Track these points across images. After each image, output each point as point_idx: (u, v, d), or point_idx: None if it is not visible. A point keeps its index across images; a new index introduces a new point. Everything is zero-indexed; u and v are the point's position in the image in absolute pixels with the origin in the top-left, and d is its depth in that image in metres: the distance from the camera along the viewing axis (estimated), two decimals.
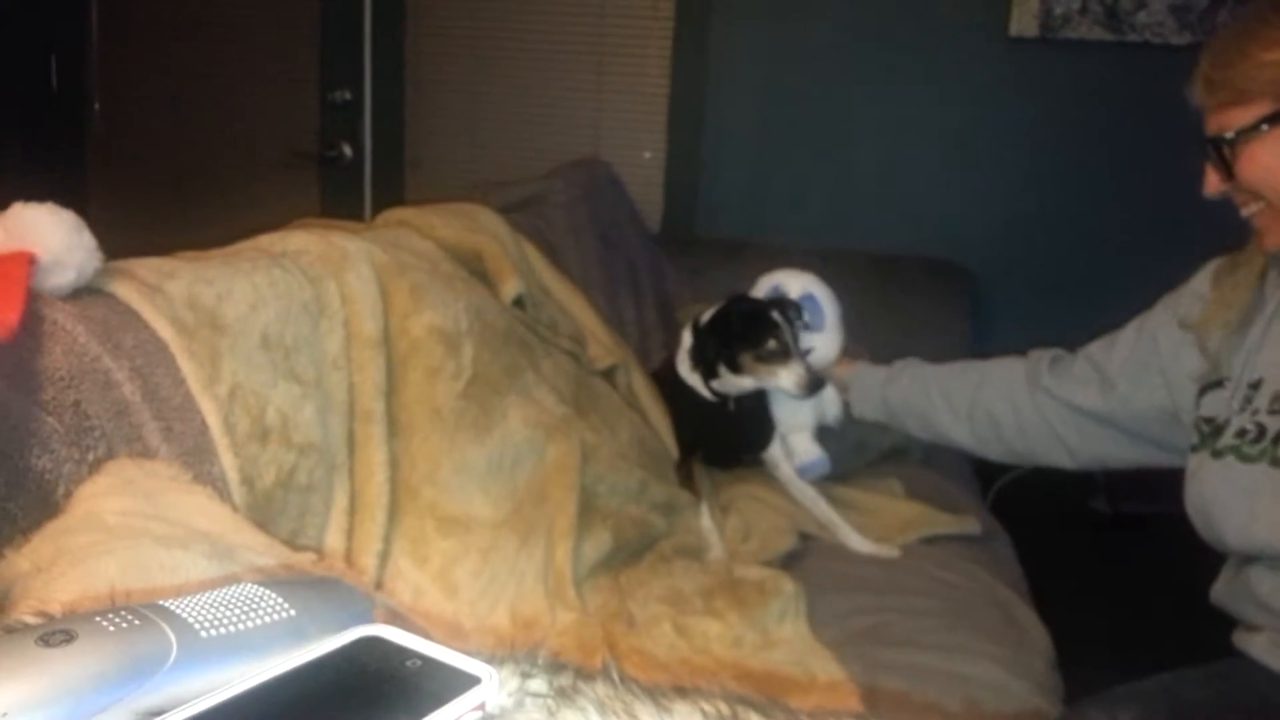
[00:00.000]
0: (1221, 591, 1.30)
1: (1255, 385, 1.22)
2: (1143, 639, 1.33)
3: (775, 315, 1.70)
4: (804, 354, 1.71)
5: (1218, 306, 1.28)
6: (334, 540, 1.17)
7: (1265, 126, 1.12)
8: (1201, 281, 1.35)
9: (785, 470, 1.82)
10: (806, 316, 1.78)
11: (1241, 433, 1.22)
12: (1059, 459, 1.51)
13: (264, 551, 0.84)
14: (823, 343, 1.78)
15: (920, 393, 1.63)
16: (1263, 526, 1.18)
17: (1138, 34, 2.51)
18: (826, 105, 2.70)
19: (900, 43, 2.64)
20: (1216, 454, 1.24)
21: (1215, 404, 1.27)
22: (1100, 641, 1.38)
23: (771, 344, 1.69)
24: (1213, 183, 1.19)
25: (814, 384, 1.67)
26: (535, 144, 2.86)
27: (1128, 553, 1.96)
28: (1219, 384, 1.27)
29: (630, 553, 1.50)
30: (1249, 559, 1.23)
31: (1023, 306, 2.60)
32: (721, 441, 1.85)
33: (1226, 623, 1.30)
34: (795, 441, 1.84)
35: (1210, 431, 1.26)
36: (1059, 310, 2.45)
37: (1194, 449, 1.28)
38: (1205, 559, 1.34)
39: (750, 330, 1.71)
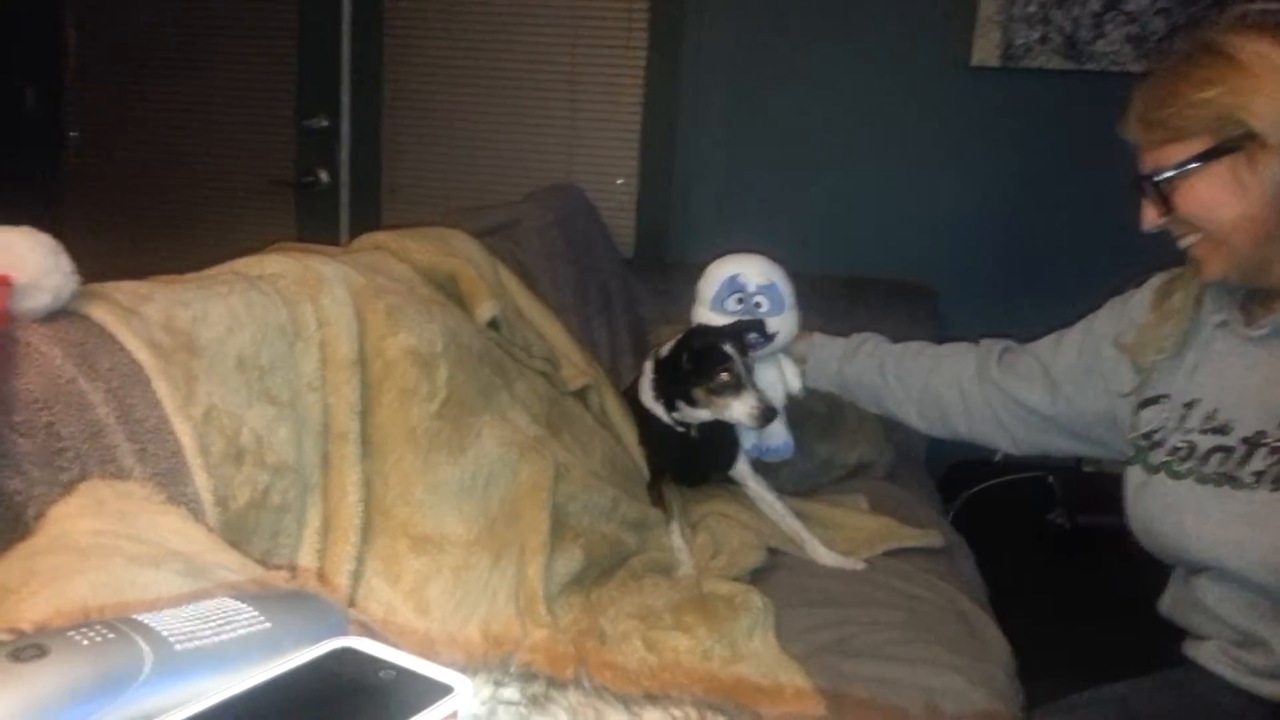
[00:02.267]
0: (1169, 602, 1.34)
1: (1190, 405, 1.26)
2: (1100, 649, 1.37)
3: (727, 348, 1.72)
4: (756, 385, 1.73)
5: (1152, 331, 1.32)
6: (307, 560, 1.19)
7: (1201, 163, 1.14)
8: (1144, 299, 1.39)
9: (754, 486, 1.86)
10: (768, 305, 1.81)
11: (1173, 450, 1.26)
12: (1002, 443, 1.59)
13: (238, 570, 0.85)
14: (783, 323, 1.81)
15: (874, 371, 1.70)
16: (1193, 541, 1.23)
17: (1095, 63, 2.58)
18: (795, 132, 2.76)
19: (867, 72, 2.70)
20: (1150, 469, 1.29)
21: (1153, 419, 1.31)
22: (1059, 651, 1.41)
23: (723, 377, 1.71)
24: (1150, 217, 1.23)
25: (767, 414, 1.70)
26: (510, 170, 2.89)
27: (1086, 565, 2.00)
28: (1157, 400, 1.31)
29: (602, 570, 1.52)
30: (1194, 570, 1.27)
31: (985, 326, 2.63)
32: (687, 464, 1.89)
33: (1180, 632, 1.34)
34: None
35: (1147, 446, 1.30)
36: (1019, 328, 2.50)
37: (1129, 462, 1.32)
38: (1161, 570, 1.38)
39: (702, 365, 1.73)
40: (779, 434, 1.87)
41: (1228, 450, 1.21)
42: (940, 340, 2.47)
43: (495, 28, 2.89)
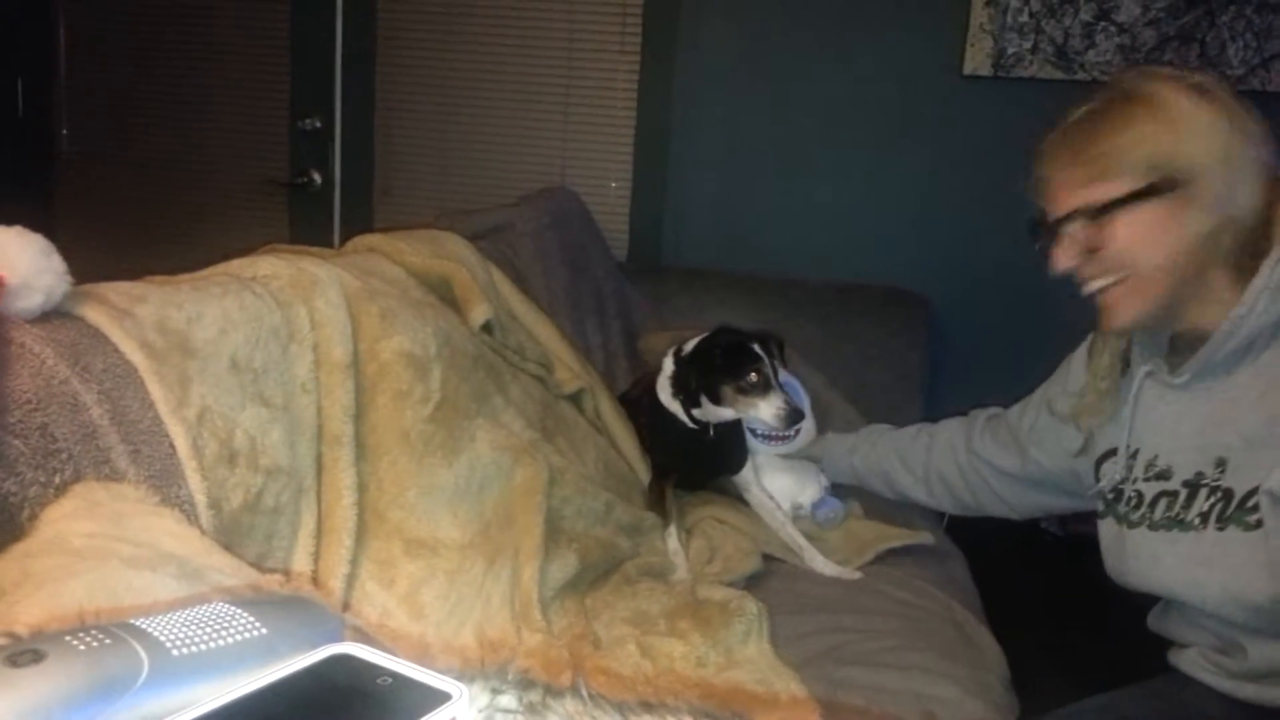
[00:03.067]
0: (1154, 617, 1.37)
1: (1133, 455, 1.30)
2: (1093, 656, 1.37)
3: (757, 348, 1.73)
4: (782, 387, 1.75)
5: (1090, 395, 1.35)
6: (301, 563, 1.18)
7: (1132, 202, 1.14)
8: (1081, 357, 1.43)
9: (756, 492, 1.86)
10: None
11: (1126, 500, 1.29)
12: (1004, 511, 1.66)
13: (232, 574, 0.84)
14: (806, 423, 1.91)
15: (881, 458, 1.80)
16: (1155, 585, 1.27)
17: (1086, 72, 2.59)
18: (788, 139, 2.76)
19: (860, 80, 2.71)
20: (1120, 520, 1.32)
21: (1111, 472, 1.34)
22: (1053, 659, 1.42)
23: (752, 376, 1.71)
24: (1061, 259, 1.22)
25: (793, 416, 1.71)
26: (503, 174, 2.89)
27: (1078, 573, 2.00)
28: (1114, 453, 1.34)
29: (596, 574, 1.52)
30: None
31: (977, 333, 2.66)
32: (698, 465, 1.88)
33: (1166, 641, 1.35)
34: (808, 489, 1.91)
35: (1114, 499, 1.33)
36: (1011, 336, 2.52)
37: (1100, 515, 1.36)
38: None
39: (732, 362, 1.74)
40: (831, 501, 1.90)
41: (1172, 495, 1.23)
42: (932, 352, 2.50)
43: (489, 31, 2.89)
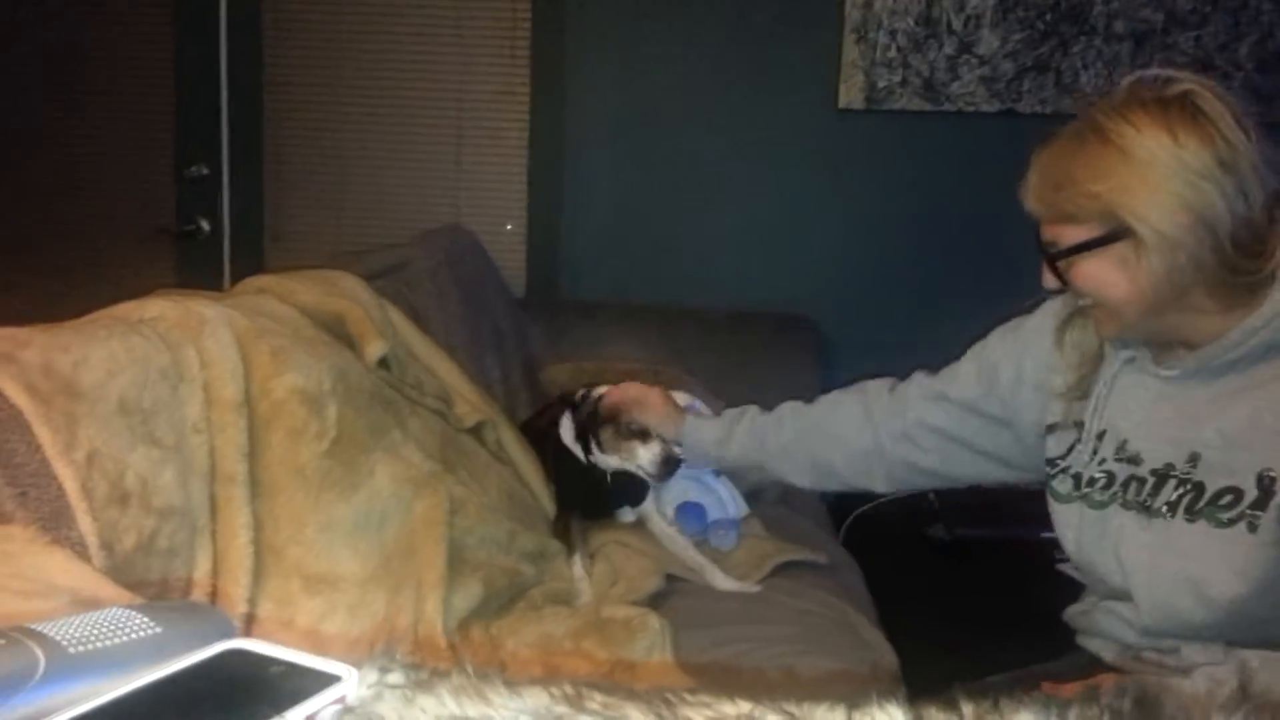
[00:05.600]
0: (1077, 612, 1.39)
1: (1101, 435, 1.30)
2: (980, 651, 1.45)
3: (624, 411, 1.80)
4: (663, 438, 1.79)
5: (1071, 373, 1.34)
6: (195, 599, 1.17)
7: (1093, 248, 1.17)
8: (1041, 328, 1.40)
9: (657, 523, 1.91)
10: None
11: (1091, 481, 1.29)
12: (881, 486, 1.61)
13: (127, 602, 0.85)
14: None
15: (755, 449, 1.70)
16: (1120, 567, 1.26)
17: (952, 103, 2.76)
18: (676, 172, 2.87)
19: (742, 114, 2.83)
20: (1060, 498, 1.33)
21: (1056, 446, 1.35)
22: (941, 653, 1.49)
23: (630, 425, 1.79)
24: (1049, 280, 1.26)
25: (670, 464, 1.77)
26: (397, 216, 2.90)
27: (964, 574, 2.11)
28: (1057, 428, 1.35)
29: (501, 602, 1.54)
30: (1118, 597, 1.30)
31: (865, 353, 2.77)
32: (600, 499, 1.92)
33: (1056, 632, 1.40)
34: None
35: (1052, 472, 1.34)
36: (895, 353, 2.64)
37: (1059, 499, 1.35)
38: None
39: (610, 411, 1.80)
40: (727, 522, 1.94)
41: (1141, 481, 1.24)
42: (822, 374, 2.60)
43: (378, 73, 2.92)
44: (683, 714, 0.50)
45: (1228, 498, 1.17)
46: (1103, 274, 1.18)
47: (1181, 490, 1.20)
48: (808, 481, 1.70)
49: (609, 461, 1.85)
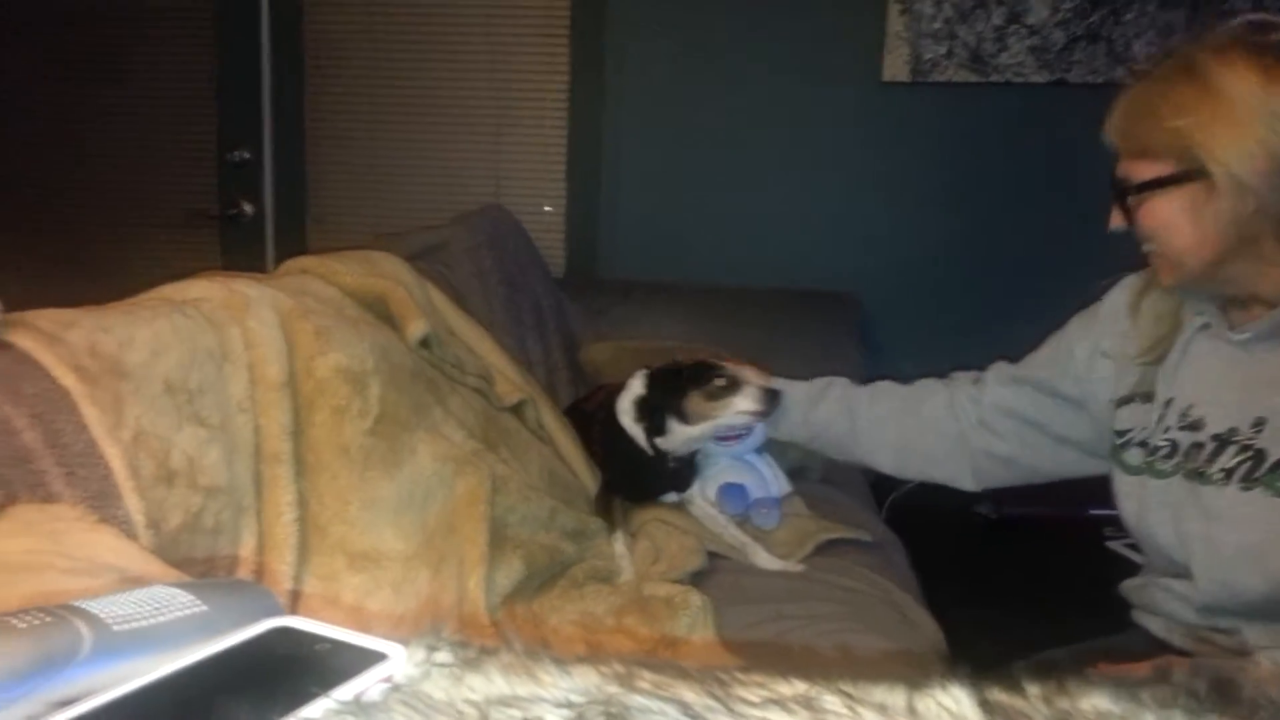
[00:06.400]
0: (1134, 587, 1.36)
1: (1168, 403, 1.27)
2: (1027, 631, 1.42)
3: (714, 361, 1.77)
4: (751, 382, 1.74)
5: (1146, 339, 1.32)
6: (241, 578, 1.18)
7: (1161, 187, 1.16)
8: (1117, 302, 1.38)
9: (699, 504, 1.90)
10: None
11: (1154, 450, 1.27)
12: (968, 483, 1.58)
13: (172, 580, 0.85)
14: (756, 430, 1.89)
15: (843, 417, 1.66)
16: (1180, 539, 1.23)
17: (1000, 75, 2.69)
18: (716, 149, 2.83)
19: (784, 90, 2.78)
20: (1128, 469, 1.30)
21: (1129, 418, 1.32)
22: (989, 633, 1.46)
23: (719, 381, 1.73)
24: (1115, 219, 1.24)
25: (773, 397, 1.69)
26: (436, 199, 2.91)
27: (1012, 553, 2.07)
28: (1132, 399, 1.33)
29: (542, 580, 1.54)
30: (1177, 575, 1.27)
31: (909, 331, 2.74)
32: (649, 484, 1.90)
33: (1107, 611, 1.37)
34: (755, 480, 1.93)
35: (1121, 445, 1.32)
36: (941, 330, 2.61)
37: (1114, 463, 1.33)
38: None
39: (695, 375, 1.76)
40: (769, 501, 1.91)
41: (1199, 446, 1.22)
42: (866, 353, 2.56)
43: (417, 55, 2.92)
44: (736, 693, 0.49)
45: None
46: (1170, 214, 1.16)
47: (1241, 457, 1.17)
48: (890, 463, 1.66)
49: (689, 433, 1.79)
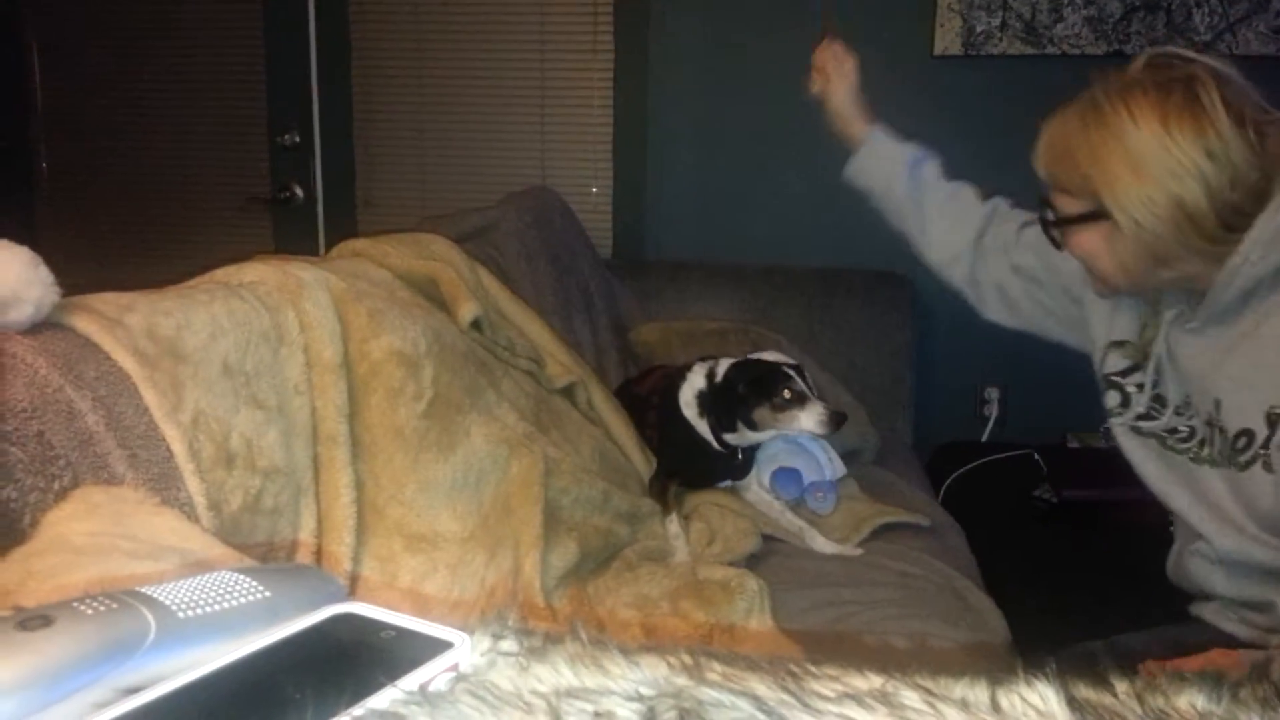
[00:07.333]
0: (1173, 566, 1.39)
1: (1157, 397, 1.34)
2: (1091, 617, 1.39)
3: (785, 369, 1.79)
4: (818, 396, 1.80)
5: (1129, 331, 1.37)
6: (303, 562, 1.19)
7: (1084, 220, 1.23)
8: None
9: (756, 491, 1.90)
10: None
11: (1171, 431, 1.32)
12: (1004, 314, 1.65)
13: (235, 565, 0.86)
14: (828, 498, 1.91)
15: (915, 196, 1.76)
16: (1206, 511, 1.28)
17: (1056, 46, 2.62)
18: (764, 128, 2.78)
19: None
20: (1152, 441, 1.35)
21: (1117, 363, 1.38)
22: (1051, 621, 1.43)
23: (786, 394, 1.76)
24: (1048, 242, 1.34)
25: (837, 419, 1.75)
26: (484, 180, 2.90)
27: (1073, 537, 2.03)
28: (1123, 344, 1.38)
29: (597, 561, 1.53)
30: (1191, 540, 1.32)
31: (960, 307, 2.67)
32: (707, 472, 1.91)
33: (1169, 598, 1.36)
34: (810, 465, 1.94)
35: (1119, 403, 1.37)
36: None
37: (1116, 423, 1.38)
38: (1146, 540, 1.40)
39: (763, 387, 1.79)
40: (825, 485, 1.92)
41: (1193, 430, 1.30)
42: (917, 332, 2.52)
43: (462, 38, 2.91)
44: (810, 687, 0.47)
45: (1243, 440, 1.20)
46: (1091, 245, 1.24)
47: (1206, 436, 1.26)
48: (933, 252, 1.75)
49: (757, 437, 1.83)
